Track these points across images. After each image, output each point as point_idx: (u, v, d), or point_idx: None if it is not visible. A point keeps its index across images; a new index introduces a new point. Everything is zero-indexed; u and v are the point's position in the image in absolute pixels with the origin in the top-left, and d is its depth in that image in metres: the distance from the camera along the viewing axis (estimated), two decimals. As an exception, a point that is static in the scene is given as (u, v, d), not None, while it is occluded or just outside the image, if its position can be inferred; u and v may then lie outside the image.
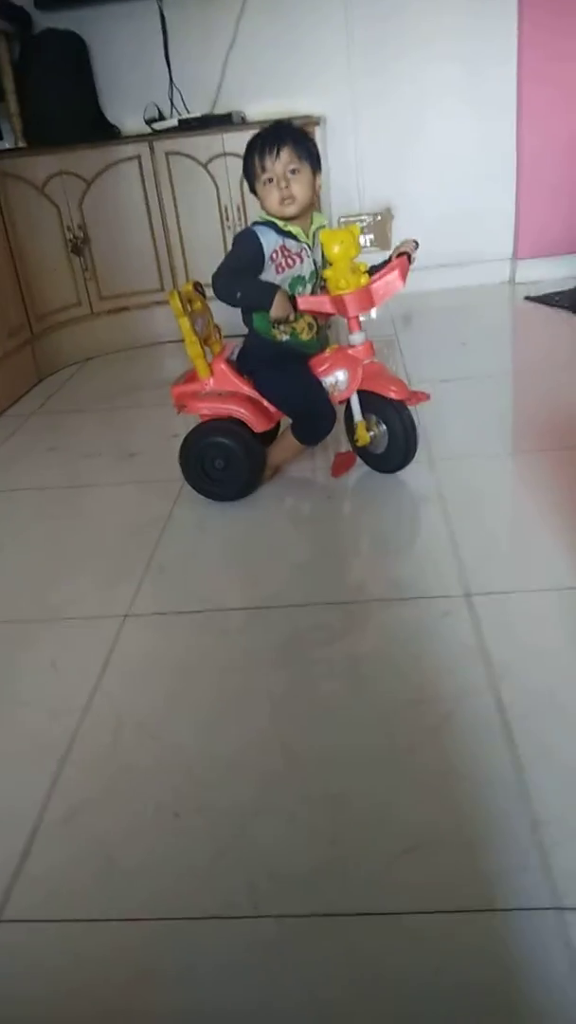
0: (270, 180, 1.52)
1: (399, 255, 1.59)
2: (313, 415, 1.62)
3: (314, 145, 1.56)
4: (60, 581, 1.51)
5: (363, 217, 3.15)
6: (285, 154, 1.50)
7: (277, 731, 1.07)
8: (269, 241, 1.55)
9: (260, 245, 1.54)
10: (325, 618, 1.30)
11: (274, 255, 1.55)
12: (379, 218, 3.15)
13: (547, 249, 3.23)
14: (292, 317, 1.54)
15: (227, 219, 2.83)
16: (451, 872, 0.86)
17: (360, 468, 1.77)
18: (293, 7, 2.91)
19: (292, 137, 1.51)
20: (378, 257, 1.65)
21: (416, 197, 3.16)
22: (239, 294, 1.53)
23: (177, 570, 1.50)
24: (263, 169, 1.51)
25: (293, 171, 1.51)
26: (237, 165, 2.74)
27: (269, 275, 1.57)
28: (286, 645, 1.25)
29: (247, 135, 2.63)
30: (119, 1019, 0.76)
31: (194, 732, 1.09)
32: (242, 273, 1.55)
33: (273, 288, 1.51)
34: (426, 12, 2.91)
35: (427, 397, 1.63)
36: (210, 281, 1.57)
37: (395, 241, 2.93)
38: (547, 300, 2.95)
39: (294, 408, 1.64)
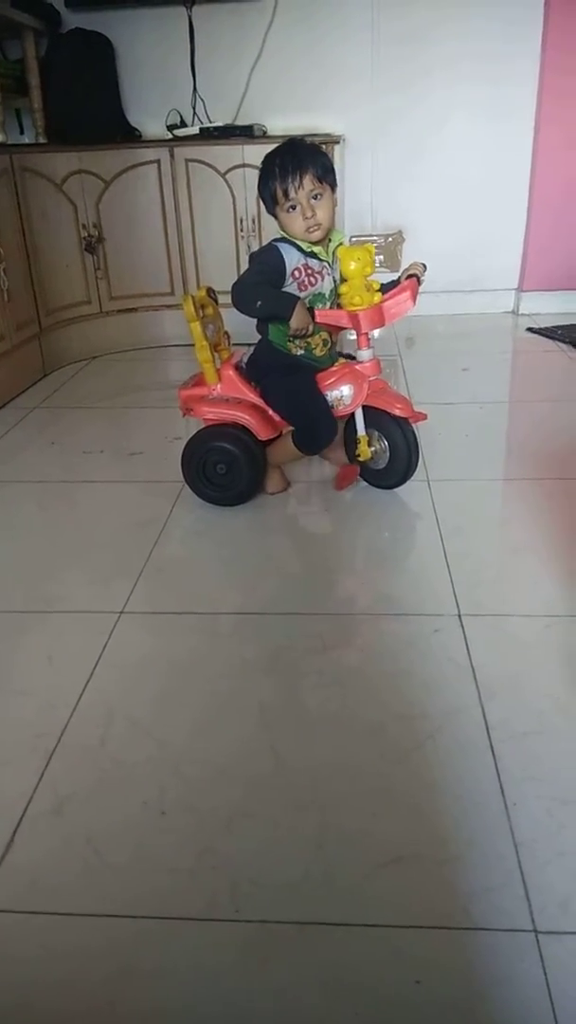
0: (293, 208, 1.52)
1: (408, 277, 1.62)
2: (314, 425, 1.64)
3: (330, 161, 1.57)
4: (57, 573, 1.52)
5: (374, 237, 3.19)
6: (308, 180, 1.50)
7: (266, 737, 1.08)
8: (292, 259, 1.56)
9: (283, 261, 1.55)
10: (317, 628, 1.31)
11: (296, 272, 1.57)
12: (390, 239, 3.19)
13: (552, 283, 3.28)
14: (310, 330, 1.55)
15: (241, 230, 2.86)
16: (431, 887, 0.87)
17: (358, 483, 1.79)
18: (321, 25, 2.96)
19: (312, 160, 1.51)
20: (385, 277, 1.68)
21: (427, 221, 3.21)
22: (259, 303, 1.54)
23: (174, 571, 1.51)
24: (286, 196, 1.52)
25: (316, 196, 1.52)
26: (255, 176, 2.79)
27: (291, 292, 1.59)
28: (278, 652, 1.26)
29: (266, 147, 2.68)
30: (97, 1016, 0.76)
31: (184, 733, 1.10)
32: (263, 285, 1.56)
33: (293, 299, 1.53)
34: (451, 38, 2.97)
35: (425, 416, 1.65)
36: (223, 288, 1.58)
37: (404, 263, 2.98)
38: (549, 333, 3.00)
39: (297, 416, 1.66)
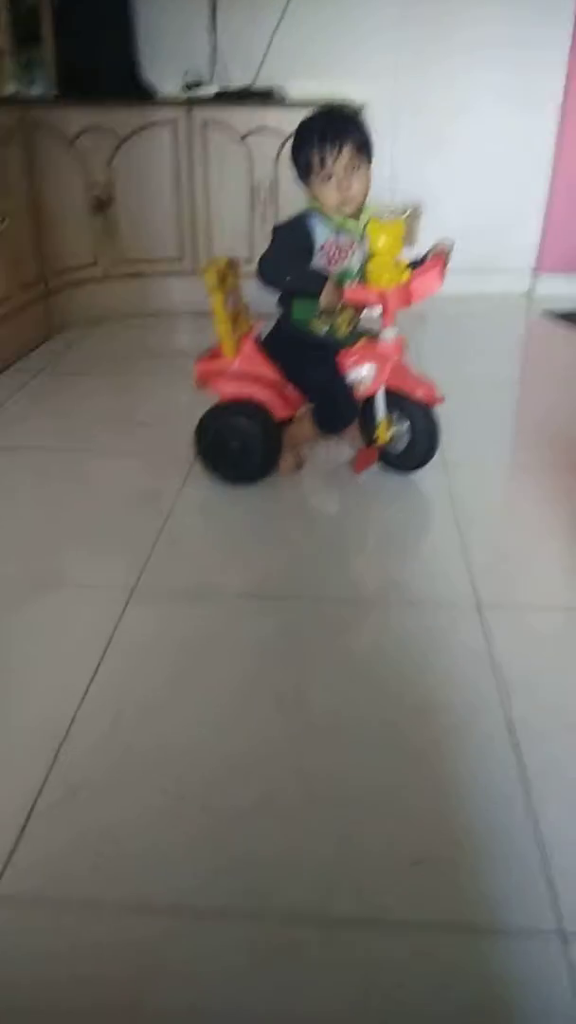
0: (328, 177, 1.47)
1: (436, 255, 1.57)
2: (336, 405, 1.60)
3: (370, 134, 1.51)
4: (63, 548, 1.48)
5: (391, 211, 3.11)
6: (347, 152, 1.45)
7: (283, 729, 1.05)
8: (322, 233, 1.51)
9: (313, 235, 1.50)
10: (332, 614, 1.29)
11: (325, 246, 1.51)
12: (408, 214, 3.12)
13: (570, 266, 3.22)
14: (338, 307, 1.50)
15: (258, 196, 2.79)
16: (454, 888, 0.85)
17: (374, 465, 1.75)
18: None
19: (354, 132, 1.46)
20: (409, 254, 1.62)
21: (446, 197, 3.14)
22: (289, 278, 1.49)
23: (185, 549, 1.47)
24: (322, 165, 1.46)
25: (354, 168, 1.47)
26: (274, 142, 2.72)
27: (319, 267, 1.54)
28: (293, 638, 1.23)
29: (287, 112, 2.61)
30: (118, 1013, 0.74)
31: (198, 722, 1.07)
32: (292, 258, 1.51)
33: (324, 275, 1.47)
34: (480, 15, 2.87)
35: (442, 399, 1.62)
36: (239, 255, 1.52)
37: (421, 239, 2.90)
38: (567, 317, 2.95)
39: (319, 396, 1.62)
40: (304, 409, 1.67)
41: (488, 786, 0.97)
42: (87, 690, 1.11)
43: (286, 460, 1.71)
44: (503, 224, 3.21)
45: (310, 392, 1.63)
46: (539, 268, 3.26)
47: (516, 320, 3.05)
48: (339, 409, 1.61)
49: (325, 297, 1.46)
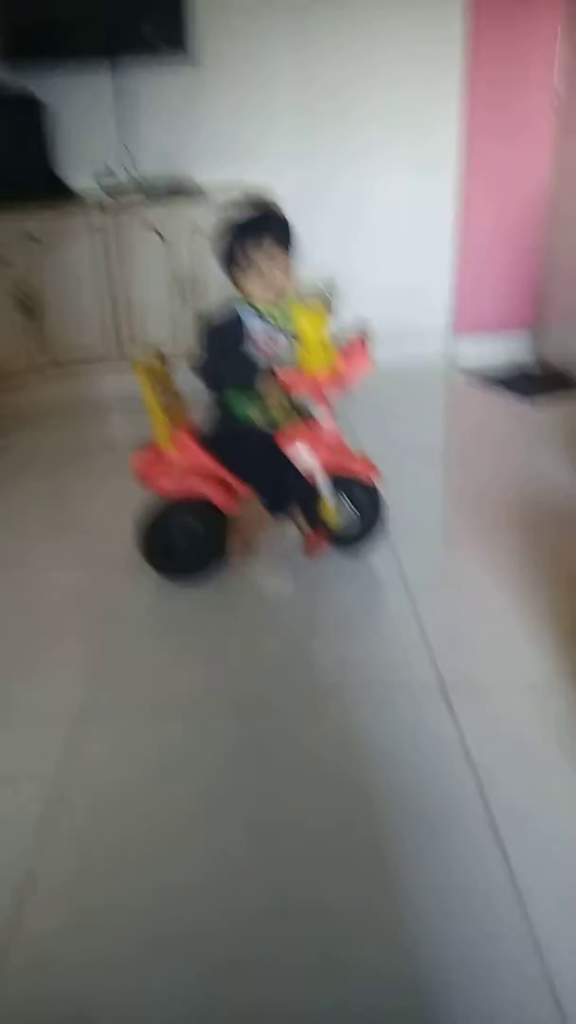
0: (252, 269, 1.51)
1: (356, 338, 1.60)
2: (279, 482, 1.61)
3: (291, 225, 1.56)
4: (9, 672, 1.41)
5: (308, 290, 3.20)
6: (268, 243, 1.50)
7: (258, 854, 1.01)
8: (253, 325, 1.54)
9: (243, 328, 1.53)
10: (295, 708, 1.26)
11: (257, 338, 1.54)
12: (323, 288, 3.21)
13: (482, 326, 3.36)
14: (276, 395, 1.52)
15: (179, 285, 2.82)
16: (458, 1010, 0.81)
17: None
18: (249, 80, 2.98)
19: (275, 225, 1.51)
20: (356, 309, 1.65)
21: (358, 271, 3.24)
22: (227, 376, 1.52)
23: (137, 657, 1.43)
24: (245, 256, 1.50)
25: (276, 259, 1.51)
26: (190, 230, 2.77)
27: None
28: (255, 743, 1.20)
29: (201, 203, 2.67)
30: None
31: (169, 857, 1.01)
32: (226, 354, 1.53)
33: (260, 366, 1.50)
34: (378, 88, 3.03)
35: (377, 472, 1.64)
36: (165, 342, 1.52)
37: (339, 311, 2.98)
38: (483, 377, 3.06)
39: (260, 477, 1.62)
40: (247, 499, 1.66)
41: (478, 888, 0.94)
42: (40, 826, 1.05)
43: (237, 547, 1.69)
44: (416, 291, 3.33)
45: (252, 479, 1.62)
46: (454, 330, 3.39)
47: (436, 383, 3.14)
48: (284, 485, 1.61)
49: (263, 386, 1.47)
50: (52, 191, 2.86)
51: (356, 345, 1.58)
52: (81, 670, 1.38)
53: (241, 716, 1.25)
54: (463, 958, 0.86)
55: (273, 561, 1.74)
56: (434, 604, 1.54)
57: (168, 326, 2.83)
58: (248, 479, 1.63)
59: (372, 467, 1.62)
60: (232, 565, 1.69)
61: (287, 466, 1.60)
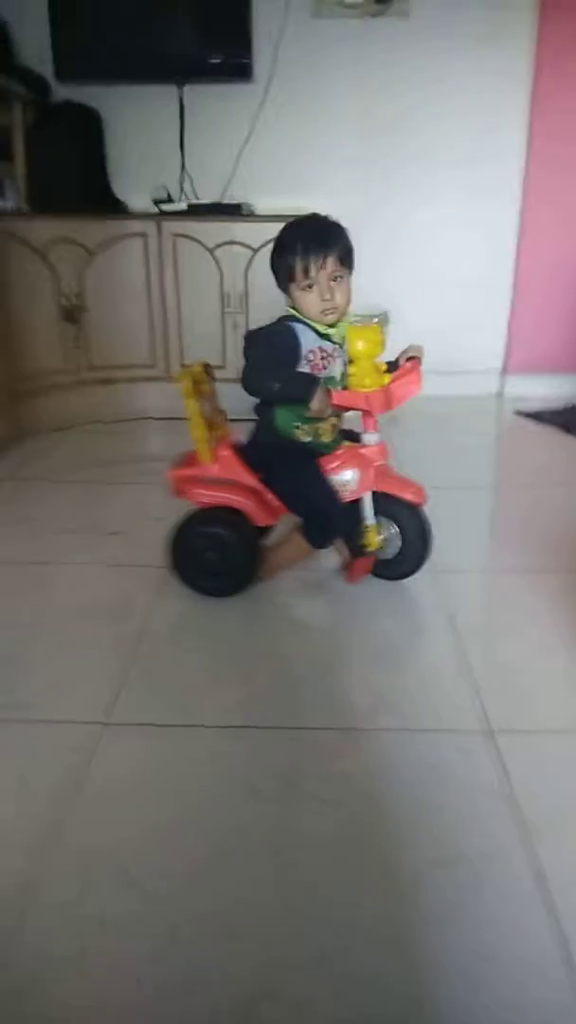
0: (311, 287, 1.42)
1: (409, 359, 1.54)
2: (326, 517, 1.52)
3: (352, 244, 1.47)
4: (26, 674, 1.34)
5: (360, 318, 3.16)
6: (331, 262, 1.41)
7: (278, 890, 0.91)
8: (307, 340, 1.45)
9: (298, 342, 1.44)
10: (329, 746, 1.16)
11: (311, 355, 1.46)
12: (376, 321, 3.16)
13: (536, 367, 3.27)
14: (328, 413, 1.44)
15: (228, 306, 2.80)
16: None
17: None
18: (309, 107, 2.98)
19: (337, 241, 1.42)
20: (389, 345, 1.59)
21: (412, 303, 3.19)
22: (277, 386, 1.43)
23: (161, 672, 1.35)
24: (305, 275, 1.41)
25: (337, 278, 1.43)
26: (243, 253, 2.76)
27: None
28: (285, 776, 1.09)
29: (255, 225, 2.66)
30: None
31: (181, 883, 0.92)
32: (278, 364, 1.45)
33: (314, 380, 1.41)
34: (435, 124, 3.01)
35: (427, 498, 1.55)
36: (211, 362, 1.47)
37: (390, 345, 2.93)
38: (538, 416, 2.96)
39: (307, 509, 1.54)
40: (290, 528, 1.58)
41: (525, 952, 0.83)
42: (49, 844, 0.96)
43: (272, 569, 1.62)
44: (470, 326, 3.27)
45: (293, 501, 1.55)
46: (507, 369, 3.31)
47: (490, 420, 3.05)
48: (330, 521, 1.53)
49: (317, 402, 1.39)
50: (105, 203, 2.88)
51: (409, 367, 1.52)
52: (103, 679, 1.30)
53: (267, 746, 1.15)
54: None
55: (311, 584, 1.65)
56: (481, 642, 1.43)
57: (216, 344, 2.80)
58: (287, 499, 1.56)
59: (419, 491, 1.53)
60: (266, 582, 1.61)
61: (330, 490, 1.52)
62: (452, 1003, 0.78)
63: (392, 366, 1.54)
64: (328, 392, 1.41)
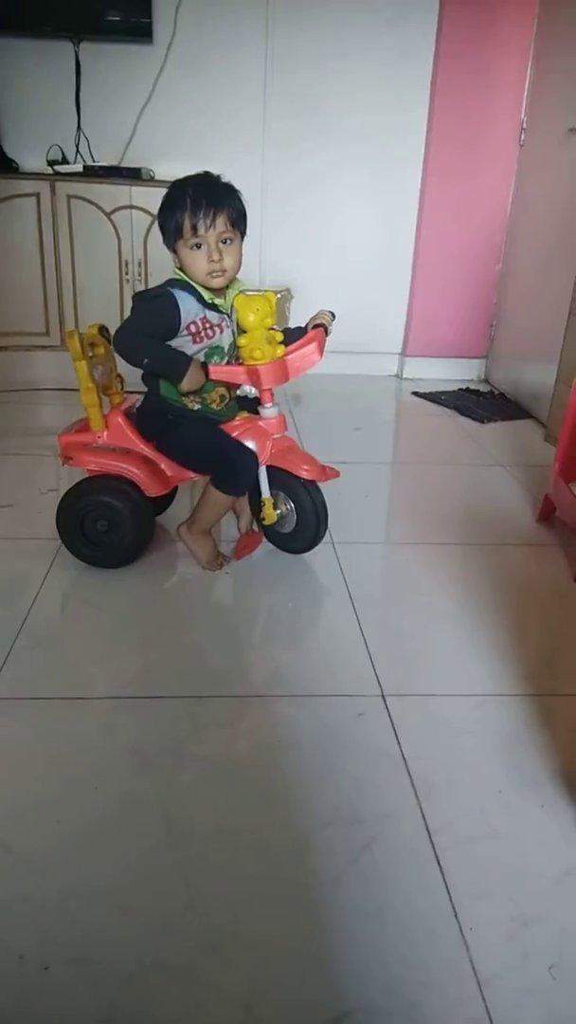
0: (198, 246, 1.37)
1: (315, 326, 1.52)
2: (232, 461, 1.47)
3: (245, 206, 1.42)
4: None
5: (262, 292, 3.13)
6: (221, 222, 1.35)
7: (171, 857, 0.89)
8: (189, 310, 1.40)
9: (178, 312, 1.38)
10: (224, 714, 1.14)
11: (192, 326, 1.41)
12: (279, 296, 3.14)
13: (433, 350, 3.35)
14: (201, 389, 1.41)
15: (126, 272, 2.72)
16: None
17: (264, 546, 1.65)
18: (212, 73, 2.91)
19: (228, 201, 1.37)
20: (292, 323, 1.57)
21: (316, 281, 3.19)
22: (146, 360, 1.38)
23: (50, 646, 1.29)
24: (194, 232, 1.35)
25: (226, 240, 1.38)
26: (143, 219, 2.68)
27: (184, 345, 1.42)
28: (179, 744, 1.08)
29: (156, 191, 2.57)
30: None
31: (68, 857, 0.89)
32: (152, 339, 1.39)
33: (185, 359, 1.37)
34: (341, 101, 3.00)
35: (337, 474, 1.54)
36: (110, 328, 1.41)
37: (292, 322, 2.92)
38: (433, 398, 3.03)
39: (210, 459, 1.49)
40: (205, 486, 1.53)
41: (414, 911, 0.84)
42: None
43: (203, 548, 1.56)
44: (372, 309, 3.29)
45: (192, 458, 1.51)
46: (405, 352, 3.37)
47: (388, 399, 3.10)
48: (238, 463, 1.46)
49: (187, 382, 1.37)
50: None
51: (311, 335, 1.50)
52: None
53: (160, 716, 1.13)
54: (398, 986, 0.76)
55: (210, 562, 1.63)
56: (375, 610, 1.45)
57: (115, 311, 2.71)
58: (194, 460, 1.51)
59: (318, 467, 1.50)
60: (205, 567, 1.57)
61: (230, 438, 1.48)
62: (348, 962, 0.78)
63: (300, 332, 1.52)
64: (204, 367, 1.38)
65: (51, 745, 1.06)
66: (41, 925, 0.80)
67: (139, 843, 0.91)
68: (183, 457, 1.51)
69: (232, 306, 1.45)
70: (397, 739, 1.09)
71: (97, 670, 1.24)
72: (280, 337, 1.46)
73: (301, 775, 1.02)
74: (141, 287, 2.71)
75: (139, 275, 2.72)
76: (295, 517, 1.55)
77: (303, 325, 1.55)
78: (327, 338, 1.54)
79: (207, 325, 1.43)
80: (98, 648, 1.31)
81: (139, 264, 2.71)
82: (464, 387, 3.22)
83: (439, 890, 0.86)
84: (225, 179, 1.42)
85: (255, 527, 1.67)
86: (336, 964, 0.78)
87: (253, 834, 0.93)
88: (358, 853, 0.91)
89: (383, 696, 1.19)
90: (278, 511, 1.55)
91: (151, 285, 2.66)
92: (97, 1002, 0.73)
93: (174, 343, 1.42)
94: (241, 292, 1.47)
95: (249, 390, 1.47)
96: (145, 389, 1.52)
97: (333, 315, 1.58)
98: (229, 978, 0.76)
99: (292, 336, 1.51)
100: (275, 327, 1.45)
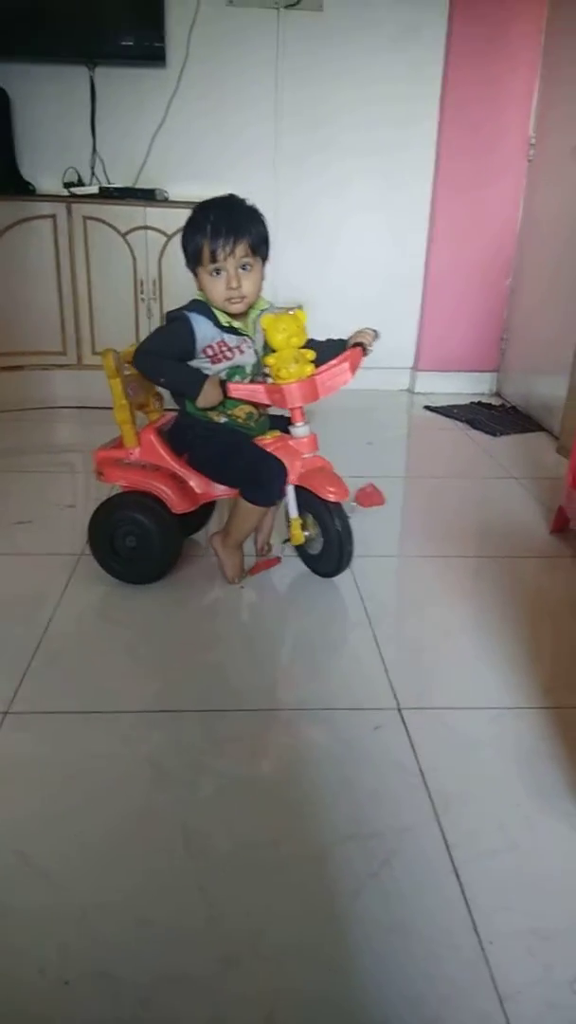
0: (217, 272, 1.38)
1: (355, 344, 1.50)
2: (260, 472, 1.45)
3: (267, 231, 1.43)
4: None
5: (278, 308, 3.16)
6: (241, 249, 1.37)
7: (191, 870, 0.89)
8: (204, 334, 1.41)
9: (193, 337, 1.41)
10: (244, 729, 1.15)
11: (208, 349, 1.43)
12: (291, 313, 3.17)
13: (444, 365, 3.36)
14: (223, 405, 1.42)
15: (141, 292, 2.75)
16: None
17: (285, 562, 1.65)
18: (223, 90, 2.96)
19: (249, 227, 1.37)
20: (322, 335, 1.55)
21: (325, 296, 3.22)
22: (163, 379, 1.42)
23: (68, 661, 1.30)
24: (212, 259, 1.37)
25: (245, 266, 1.39)
26: (157, 239, 2.72)
27: (203, 365, 1.44)
28: (199, 758, 1.08)
29: (170, 211, 2.62)
30: None
31: (88, 870, 0.89)
32: (167, 359, 1.42)
33: (201, 377, 1.39)
34: (351, 119, 3.03)
35: (382, 501, 1.52)
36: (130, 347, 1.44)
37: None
38: (446, 412, 3.03)
39: (237, 469, 1.47)
40: (235, 501, 1.52)
41: (436, 924, 0.84)
42: (-51, 844, 0.91)
43: (231, 562, 1.56)
44: (382, 324, 3.27)
45: (221, 470, 1.50)
46: (417, 366, 3.38)
47: (401, 414, 3.11)
48: (265, 473, 1.44)
49: (203, 398, 1.39)
50: (12, 184, 2.78)
51: (346, 354, 1.47)
52: (6, 669, 1.25)
53: (178, 731, 1.13)
54: (420, 1001, 0.75)
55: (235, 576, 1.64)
56: (391, 623, 1.45)
57: (130, 330, 2.75)
58: (222, 471, 1.51)
59: (344, 490, 1.46)
60: (230, 581, 1.58)
61: (257, 448, 1.46)
62: (369, 975, 0.78)
63: (336, 345, 1.51)
64: (223, 384, 1.39)
65: (70, 759, 1.07)
66: (61, 939, 0.80)
67: (158, 856, 0.91)
68: (211, 469, 1.51)
69: (256, 326, 1.46)
70: (414, 752, 1.09)
71: (115, 685, 1.25)
72: (311, 355, 1.43)
73: (319, 788, 1.03)
74: (156, 306, 2.75)
75: (154, 294, 2.75)
76: (321, 541, 1.54)
77: (344, 339, 1.54)
78: (366, 357, 1.51)
79: (224, 348, 1.44)
80: (116, 663, 1.32)
81: (154, 283, 2.74)
82: (476, 400, 3.23)
83: (459, 904, 0.86)
84: (250, 202, 1.43)
85: (273, 551, 1.68)
86: (357, 977, 0.78)
87: (272, 847, 0.93)
88: (378, 867, 0.91)
89: (399, 709, 1.19)
90: (306, 532, 1.55)
91: (166, 304, 2.73)
92: (118, 1016, 0.73)
93: (194, 363, 1.44)
94: (265, 311, 1.48)
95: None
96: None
97: (376, 333, 1.55)
98: (250, 991, 0.76)
99: (329, 350, 1.49)
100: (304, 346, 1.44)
